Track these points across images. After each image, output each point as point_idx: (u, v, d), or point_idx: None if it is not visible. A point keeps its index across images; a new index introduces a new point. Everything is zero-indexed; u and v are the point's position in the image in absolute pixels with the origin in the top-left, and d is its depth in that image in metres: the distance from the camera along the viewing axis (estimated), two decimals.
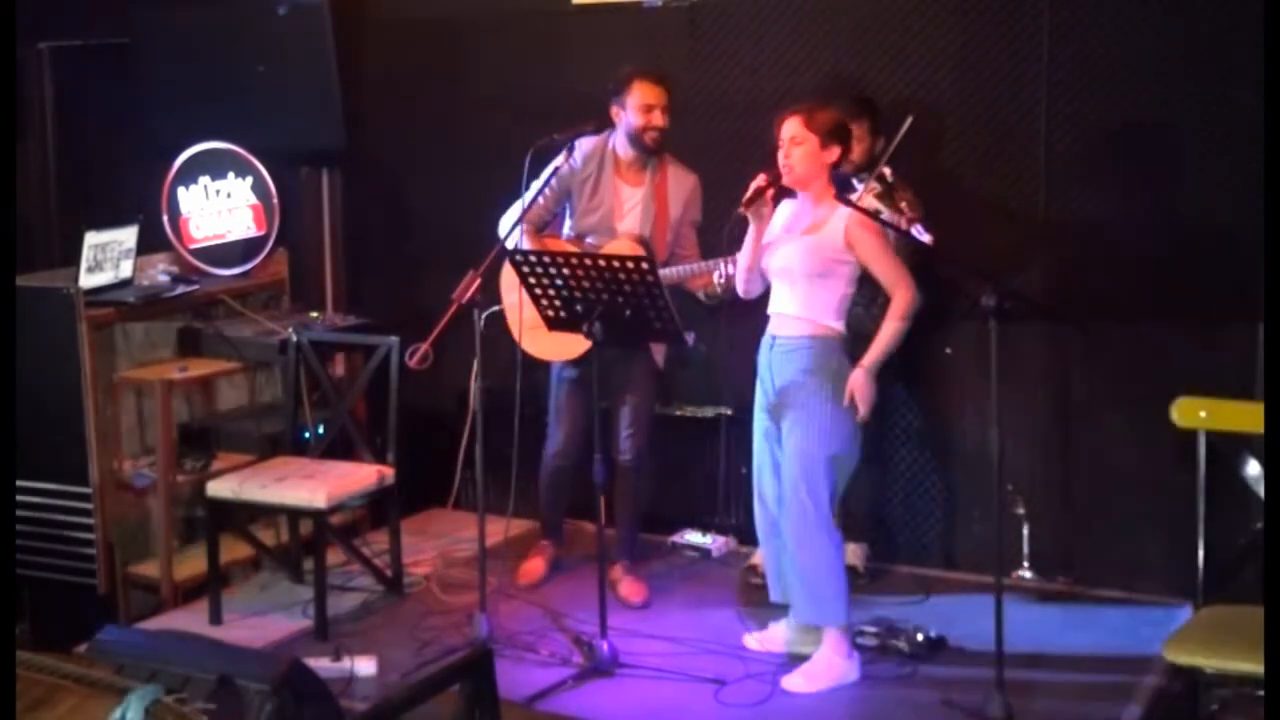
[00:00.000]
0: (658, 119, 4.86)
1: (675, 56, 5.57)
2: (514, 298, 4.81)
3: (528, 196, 4.90)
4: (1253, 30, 4.44)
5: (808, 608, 4.40)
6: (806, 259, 4.30)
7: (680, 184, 4.96)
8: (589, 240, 4.95)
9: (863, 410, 4.29)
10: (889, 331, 4.29)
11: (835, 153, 4.31)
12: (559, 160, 4.91)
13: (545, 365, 5.16)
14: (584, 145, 4.96)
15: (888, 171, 4.76)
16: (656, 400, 5.22)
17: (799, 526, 4.34)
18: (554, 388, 5.15)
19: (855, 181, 4.64)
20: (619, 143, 4.96)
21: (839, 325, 4.33)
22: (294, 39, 5.87)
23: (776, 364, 4.37)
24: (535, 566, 5.29)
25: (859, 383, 4.27)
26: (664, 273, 4.65)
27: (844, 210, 4.27)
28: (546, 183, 4.94)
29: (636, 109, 4.86)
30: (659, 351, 5.02)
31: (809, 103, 4.41)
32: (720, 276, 4.71)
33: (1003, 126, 5.11)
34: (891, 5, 5.24)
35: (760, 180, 4.33)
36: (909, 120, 4.68)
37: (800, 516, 4.33)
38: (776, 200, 4.43)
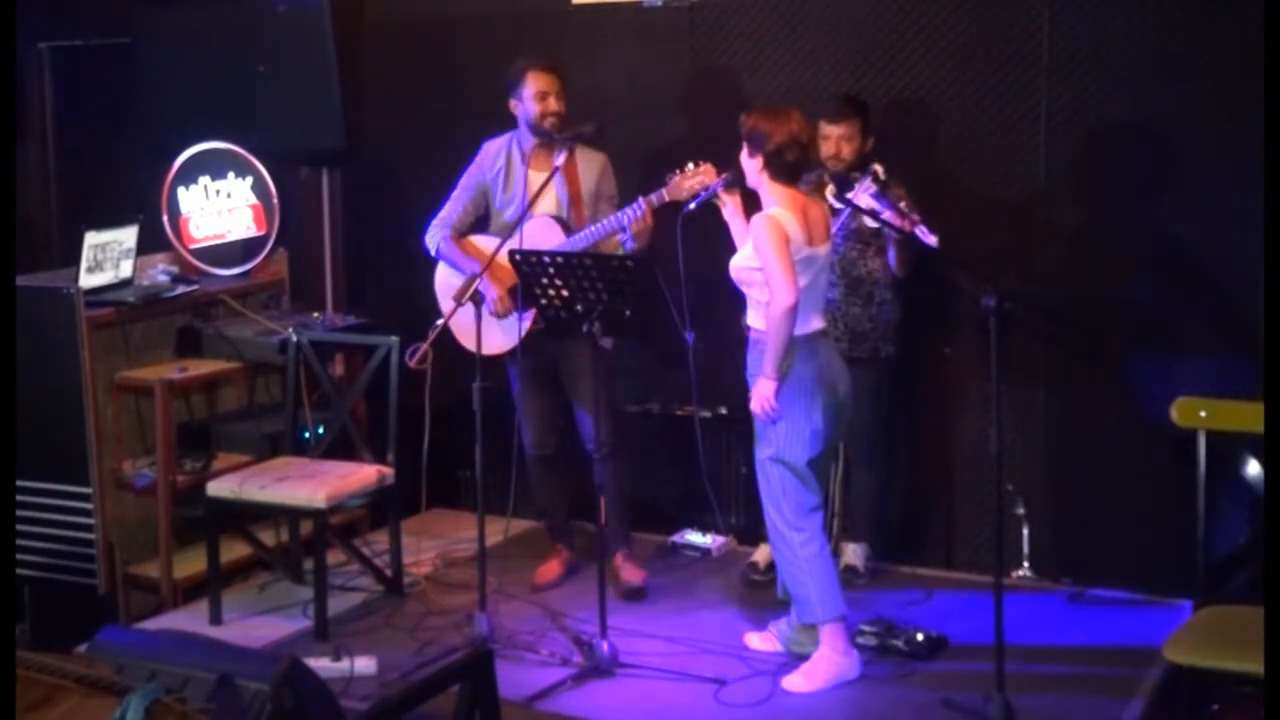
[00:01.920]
0: (553, 105, 4.95)
1: (675, 56, 5.57)
2: (450, 304, 4.91)
3: (447, 207, 5.08)
4: (1253, 30, 4.44)
5: (795, 607, 4.45)
6: (734, 269, 4.39)
7: (589, 163, 5.02)
8: None
9: (753, 405, 4.33)
10: (768, 338, 4.26)
11: (759, 161, 4.32)
12: (471, 167, 5.07)
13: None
14: (490, 146, 5.09)
15: (880, 169, 4.76)
16: (614, 384, 5.21)
17: (770, 528, 4.43)
18: (513, 385, 5.18)
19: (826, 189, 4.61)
20: (522, 135, 5.05)
21: None
22: (294, 39, 5.87)
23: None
24: (551, 569, 5.29)
25: (758, 386, 4.31)
26: (574, 238, 4.83)
27: (756, 217, 4.28)
28: (466, 190, 5.08)
29: (532, 98, 4.95)
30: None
31: (750, 115, 4.38)
32: (624, 234, 4.78)
33: (1003, 126, 5.11)
34: (891, 4, 5.25)
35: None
36: (875, 168, 4.71)
37: (767, 519, 4.43)
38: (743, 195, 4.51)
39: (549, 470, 5.25)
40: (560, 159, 4.84)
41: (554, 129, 4.95)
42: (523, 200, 4.95)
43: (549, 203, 4.98)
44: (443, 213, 5.11)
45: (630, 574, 5.11)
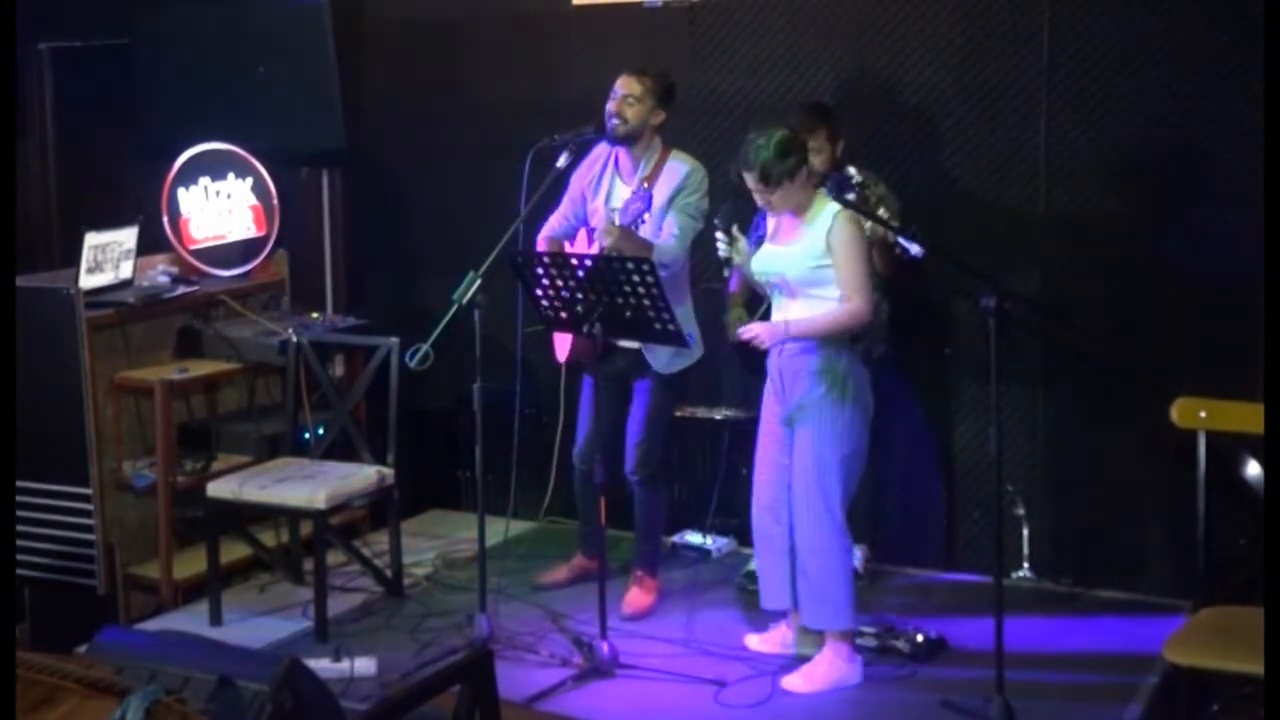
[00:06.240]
0: (613, 106, 4.82)
1: (675, 56, 5.56)
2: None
3: (554, 217, 5.03)
4: (1254, 31, 4.44)
5: (818, 612, 4.38)
6: (795, 269, 4.31)
7: (671, 175, 4.86)
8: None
9: (746, 333, 4.36)
10: (829, 317, 4.26)
11: (805, 173, 4.30)
12: (579, 168, 4.98)
13: (552, 367, 5.17)
14: (597, 149, 4.99)
15: (854, 172, 4.74)
16: (669, 409, 5.04)
17: (814, 531, 4.33)
18: (583, 391, 5.12)
19: (824, 191, 4.53)
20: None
21: None
22: (294, 39, 5.87)
23: (787, 370, 4.36)
24: (557, 573, 5.28)
25: (767, 327, 4.33)
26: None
27: (830, 212, 4.26)
28: (568, 192, 5.01)
29: (610, 98, 4.86)
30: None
31: (762, 157, 4.22)
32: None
33: (1003, 126, 5.11)
34: (891, 5, 5.25)
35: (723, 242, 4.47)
36: (849, 171, 4.72)
37: (815, 521, 4.33)
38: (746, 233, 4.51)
39: (586, 484, 5.14)
40: (643, 168, 4.81)
41: (613, 132, 4.82)
42: (607, 207, 4.90)
43: (625, 212, 4.85)
44: (550, 218, 5.05)
45: (632, 602, 4.98)
